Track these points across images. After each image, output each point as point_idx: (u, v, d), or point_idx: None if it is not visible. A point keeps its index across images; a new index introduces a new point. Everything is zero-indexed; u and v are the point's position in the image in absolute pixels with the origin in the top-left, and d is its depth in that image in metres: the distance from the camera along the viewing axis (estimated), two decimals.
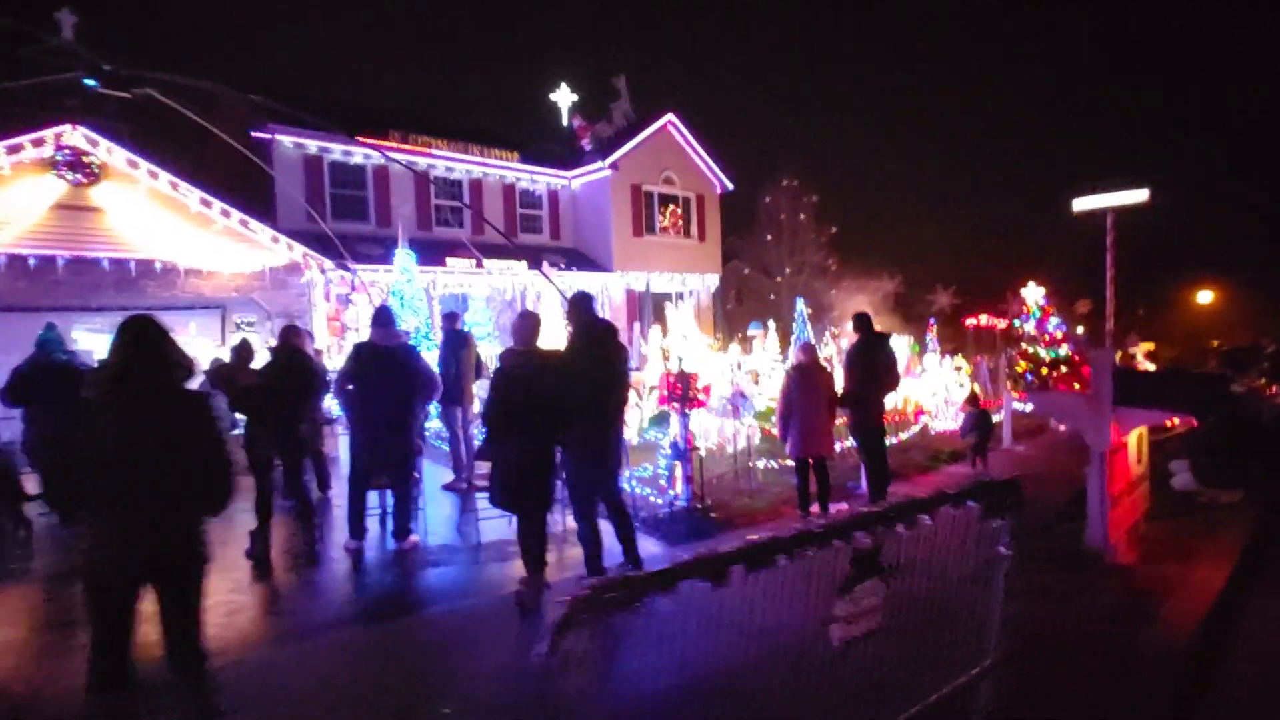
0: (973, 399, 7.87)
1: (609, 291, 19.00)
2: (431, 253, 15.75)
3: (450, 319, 7.59)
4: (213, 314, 12.53)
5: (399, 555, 5.19)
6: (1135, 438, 5.25)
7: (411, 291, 11.39)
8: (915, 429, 10.12)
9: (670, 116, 20.07)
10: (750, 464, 7.23)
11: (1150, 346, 7.40)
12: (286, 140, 14.35)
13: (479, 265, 15.96)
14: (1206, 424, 5.99)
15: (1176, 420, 7.30)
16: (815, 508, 6.20)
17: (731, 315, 23.70)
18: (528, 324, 4.26)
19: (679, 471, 5.81)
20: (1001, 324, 21.34)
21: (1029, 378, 6.72)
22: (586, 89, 20.45)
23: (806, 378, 6.15)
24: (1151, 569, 4.82)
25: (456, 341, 7.37)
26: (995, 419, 10.05)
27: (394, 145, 15.77)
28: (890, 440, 8.92)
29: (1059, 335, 7.06)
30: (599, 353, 4.11)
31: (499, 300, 17.51)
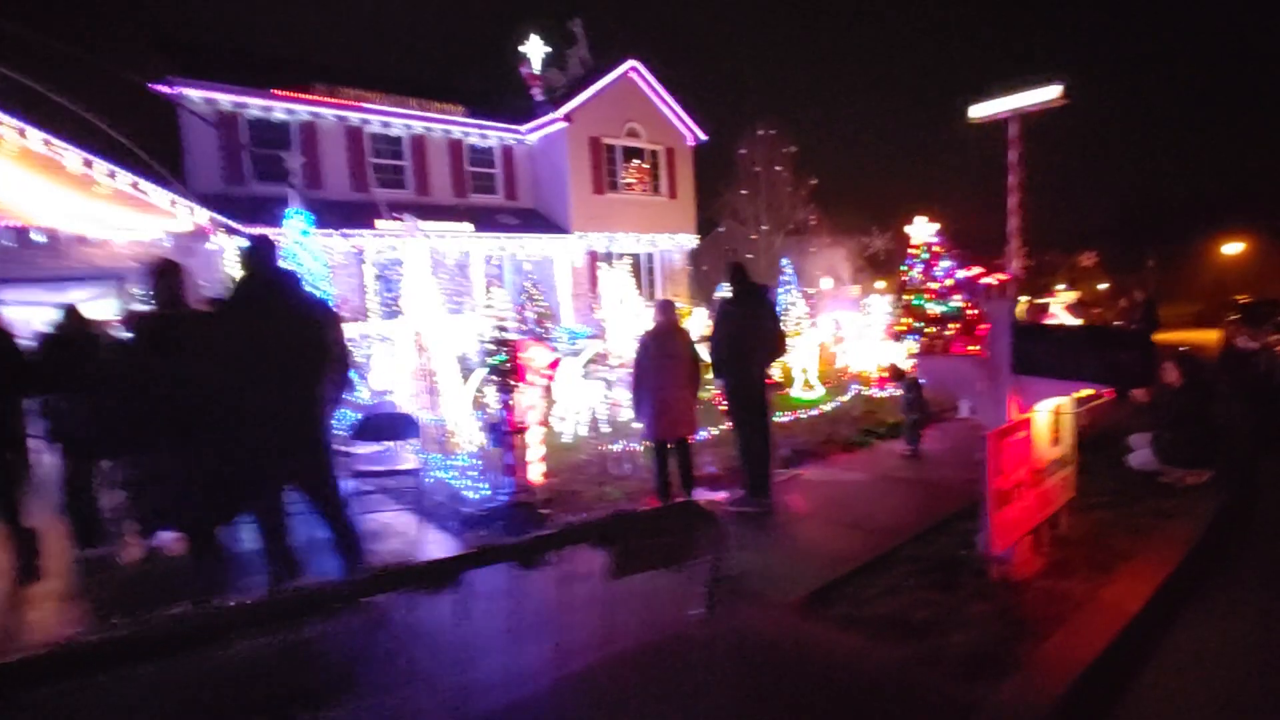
0: (895, 372, 6.66)
1: (569, 254, 17.83)
2: (367, 215, 14.72)
3: None
4: (109, 286, 11.65)
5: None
6: (1049, 413, 4.08)
7: (309, 257, 10.35)
8: (844, 398, 8.90)
9: (633, 63, 18.59)
10: (610, 447, 6.15)
11: (1073, 297, 6.05)
12: (195, 95, 13.25)
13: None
14: (1175, 393, 4.73)
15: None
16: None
17: (709, 277, 22.42)
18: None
19: (504, 459, 4.77)
20: (995, 279, 19.86)
21: (914, 338, 5.46)
22: (546, 36, 18.93)
23: (662, 345, 5.04)
24: (1052, 584, 3.70)
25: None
26: None
27: (318, 99, 14.62)
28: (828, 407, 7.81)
29: (949, 283, 5.67)
30: (258, 316, 3.05)
31: (453, 267, 16.47)
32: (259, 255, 3.22)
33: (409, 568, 1.81)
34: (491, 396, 4.80)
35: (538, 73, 18.31)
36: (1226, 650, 3.36)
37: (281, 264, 3.25)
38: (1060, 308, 4.17)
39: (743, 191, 19.43)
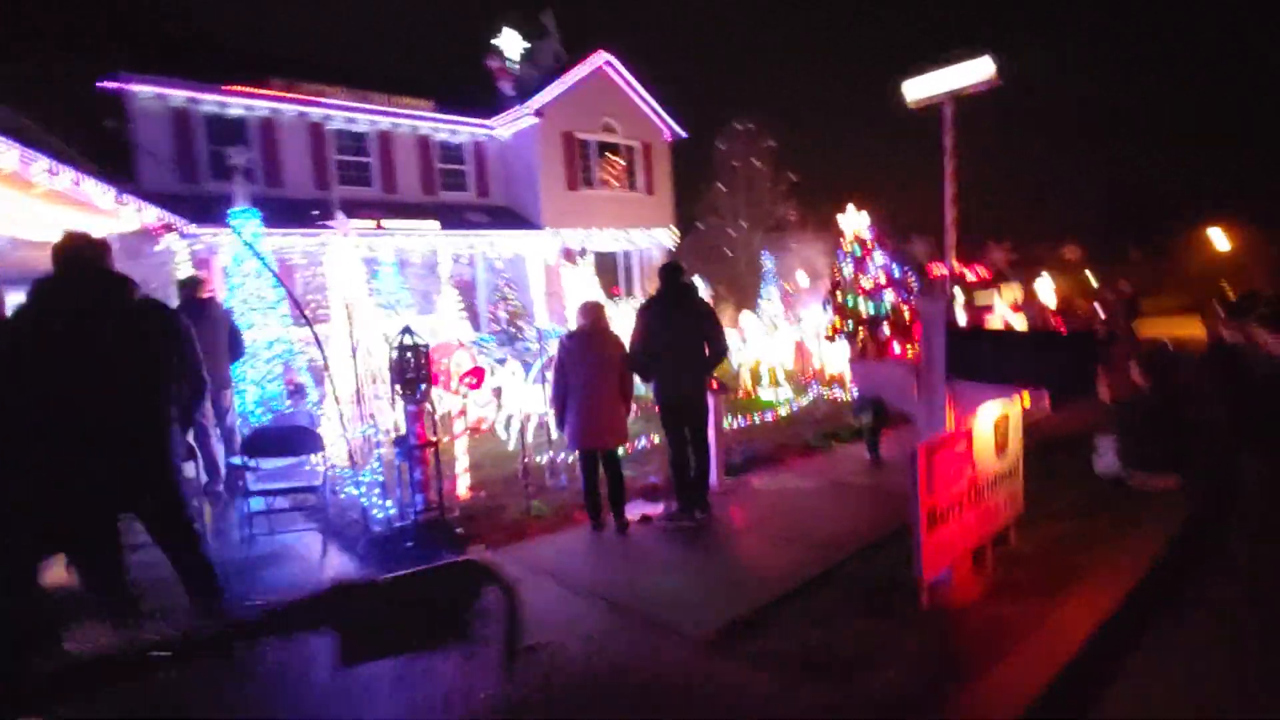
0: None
1: (542, 251, 17.43)
2: (330, 215, 14.28)
3: (188, 285, 6.16)
4: None
5: None
6: (994, 422, 3.74)
7: (251, 258, 9.93)
8: (802, 400, 8.56)
9: (605, 57, 18.16)
10: (545, 457, 5.79)
11: (1018, 294, 5.65)
12: (145, 91, 12.78)
13: (378, 226, 14.46)
14: (1141, 393, 4.38)
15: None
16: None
17: (689, 274, 22.05)
18: None
19: (411, 475, 4.40)
20: (980, 275, 19.53)
21: (842, 339, 5.06)
22: (516, 28, 18.51)
23: (586, 348, 4.67)
24: (994, 610, 3.37)
25: (197, 312, 5.96)
26: None
27: (276, 94, 14.17)
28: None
29: (881, 279, 5.21)
30: (67, 325, 2.67)
31: (422, 265, 16.06)
32: (76, 255, 2.84)
33: None
34: (397, 407, 4.40)
35: (511, 67, 17.88)
36: (1191, 684, 3.02)
37: (103, 265, 2.86)
38: (1006, 306, 3.82)
39: (721, 187, 19.07)
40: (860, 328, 4.42)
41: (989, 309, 6.11)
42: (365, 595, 1.65)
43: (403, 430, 4.55)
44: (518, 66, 18.09)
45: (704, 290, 16.61)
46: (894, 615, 3.33)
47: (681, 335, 4.70)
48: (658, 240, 20.08)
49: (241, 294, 9.68)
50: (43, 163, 10.57)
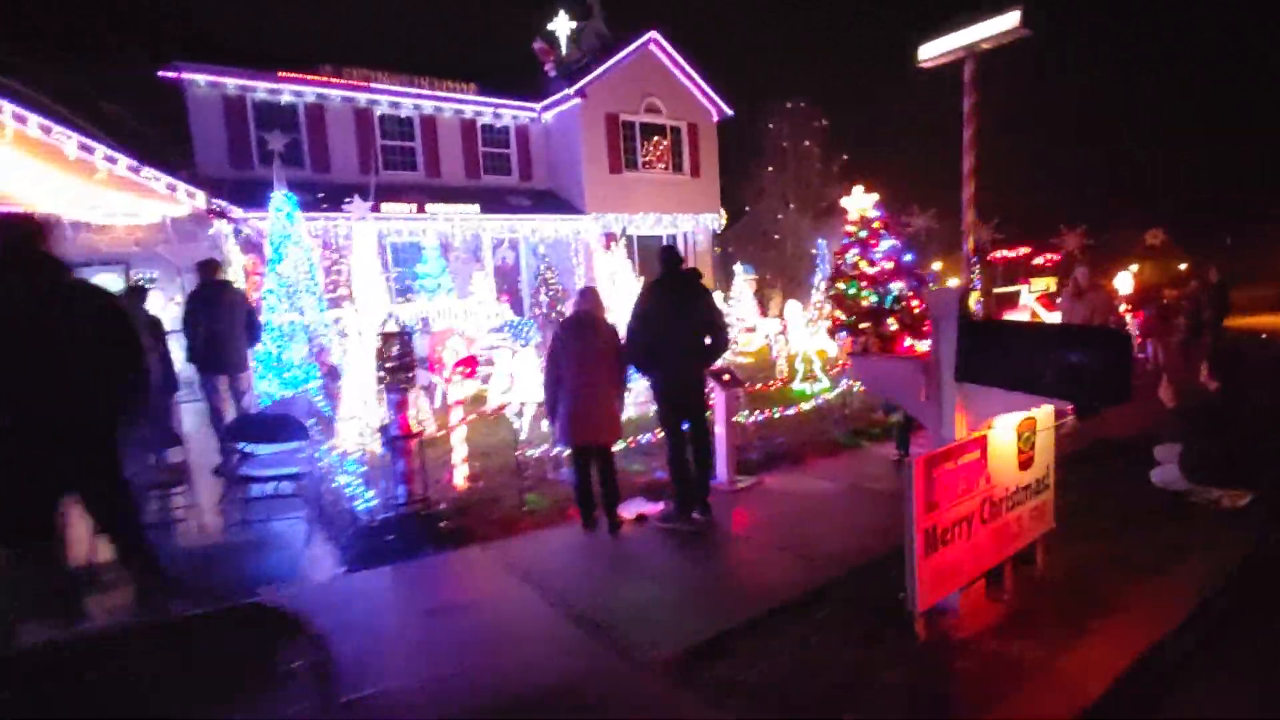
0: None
1: (585, 235, 17.26)
2: (379, 198, 14.49)
3: (206, 268, 6.22)
4: (114, 271, 11.76)
5: None
6: (1016, 428, 3.30)
7: (291, 242, 10.12)
8: (831, 390, 8.05)
9: (653, 35, 17.72)
10: (535, 451, 5.57)
11: (1049, 285, 4.87)
12: (200, 79, 13.19)
13: (420, 210, 14.58)
14: (1212, 396, 3.85)
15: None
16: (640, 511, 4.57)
17: (736, 259, 21.50)
18: None
19: (395, 467, 4.28)
20: (1050, 259, 18.25)
21: (843, 335, 4.49)
22: (563, 8, 18.27)
23: (580, 337, 4.43)
24: (1000, 646, 2.96)
25: (214, 295, 6.03)
26: None
27: (324, 79, 14.41)
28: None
29: (888, 267, 4.52)
30: None
31: (464, 249, 16.16)
32: (19, 238, 2.76)
33: None
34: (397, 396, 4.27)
35: (562, 49, 17.64)
36: None
37: (43, 249, 2.78)
38: (1033, 299, 3.27)
39: (769, 169, 18.38)
40: (862, 320, 3.95)
41: (1014, 302, 5.32)
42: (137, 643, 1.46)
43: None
44: (560, 47, 17.85)
45: (748, 277, 16.13)
46: (886, 646, 2.98)
47: (681, 324, 4.39)
48: (704, 224, 19.61)
49: (277, 277, 9.89)
50: (102, 150, 11.01)
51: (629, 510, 4.83)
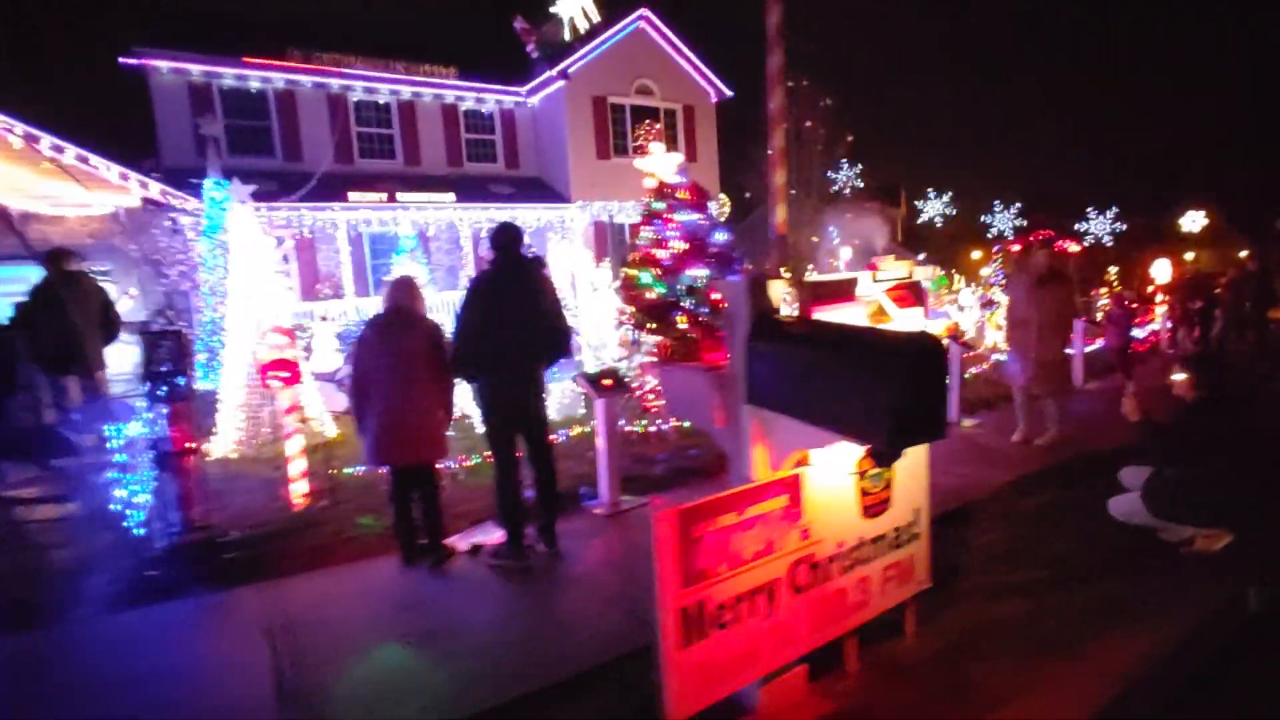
0: None
1: (569, 224, 16.55)
2: (353, 187, 14.05)
3: (54, 258, 5.69)
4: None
5: None
6: (856, 466, 2.46)
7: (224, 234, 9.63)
8: None
9: (644, 13, 16.82)
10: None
11: (934, 272, 3.77)
12: (163, 66, 12.86)
13: (390, 200, 14.06)
14: (1187, 412, 2.95)
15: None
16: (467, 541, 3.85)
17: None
18: None
19: (168, 488, 3.64)
20: (1074, 247, 16.81)
21: (633, 337, 3.59)
22: None
23: (389, 338, 3.71)
24: None
25: (65, 288, 5.49)
26: None
27: (294, 65, 13.96)
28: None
29: (682, 249, 3.50)
30: None
31: (449, 241, 15.64)
32: None
33: None
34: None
35: (565, 31, 16.85)
36: None
37: None
38: (881, 291, 2.48)
39: (768, 151, 17.36)
40: (650, 317, 3.10)
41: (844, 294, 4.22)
42: None
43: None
44: (544, 26, 17.09)
45: (898, 272, 15.11)
46: None
47: (516, 320, 3.61)
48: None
49: (210, 269, 9.45)
50: (49, 139, 10.66)
51: (481, 536, 4.12)
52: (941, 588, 3.35)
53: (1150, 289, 12.82)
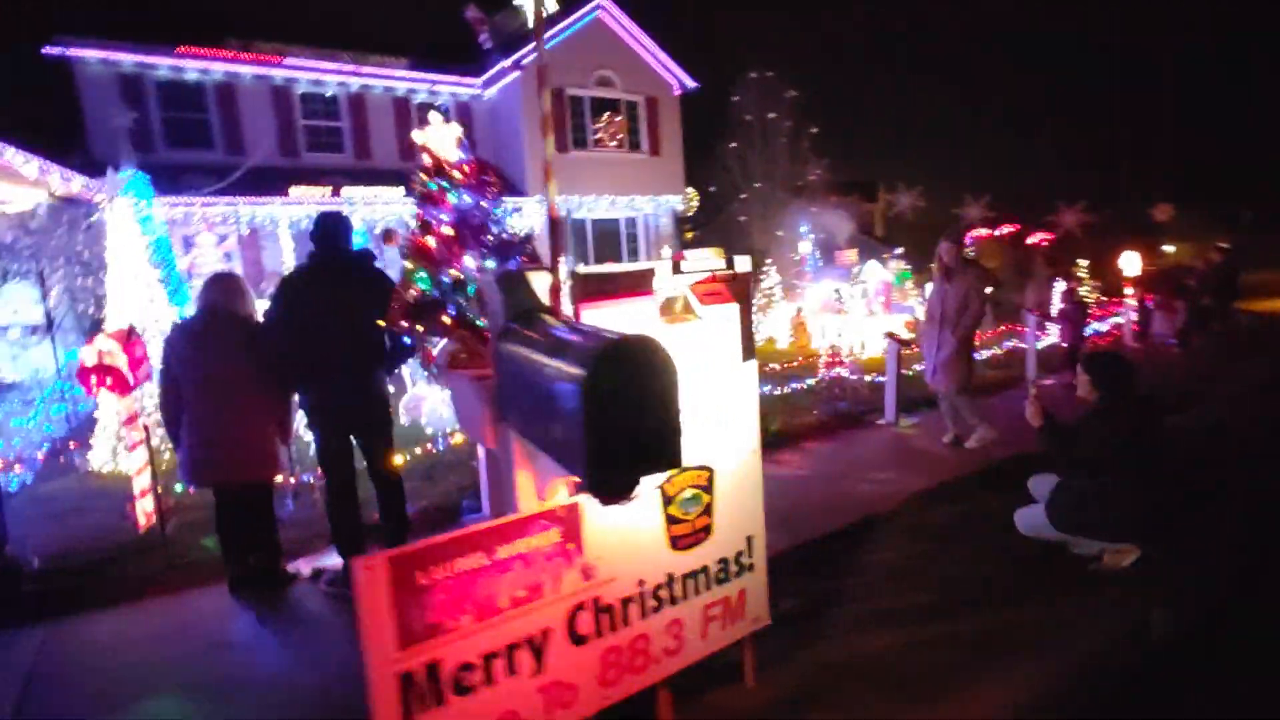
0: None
1: (529, 220, 16.10)
2: (298, 182, 13.53)
3: None
4: None
5: None
6: (661, 490, 2.10)
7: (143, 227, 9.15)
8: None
9: (602, 4, 16.39)
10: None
11: (714, 262, 3.40)
12: (90, 57, 12.29)
13: (335, 194, 13.57)
14: (1090, 415, 2.69)
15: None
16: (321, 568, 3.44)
17: (704, 243, 20.14)
18: None
19: None
20: (1044, 238, 16.56)
21: (405, 340, 3.25)
22: None
23: (200, 342, 3.30)
24: None
25: None
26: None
27: (232, 55, 13.43)
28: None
29: (447, 234, 3.18)
30: None
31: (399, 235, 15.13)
32: None
33: None
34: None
35: (482, 14, 16.37)
36: None
37: None
38: (687, 285, 2.12)
39: (732, 145, 16.99)
40: (417, 315, 2.74)
41: (608, 289, 3.50)
42: None
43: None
44: (497, 15, 16.60)
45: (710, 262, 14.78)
46: None
47: (342, 322, 3.22)
48: (667, 207, 18.32)
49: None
50: None
51: (331, 559, 3.73)
52: (811, 618, 3.02)
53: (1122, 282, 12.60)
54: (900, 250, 15.48)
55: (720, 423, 2.22)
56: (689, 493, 2.18)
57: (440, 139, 2.90)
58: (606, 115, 16.95)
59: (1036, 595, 3.20)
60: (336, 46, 14.61)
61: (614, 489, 1.34)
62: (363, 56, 14.81)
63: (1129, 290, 11.77)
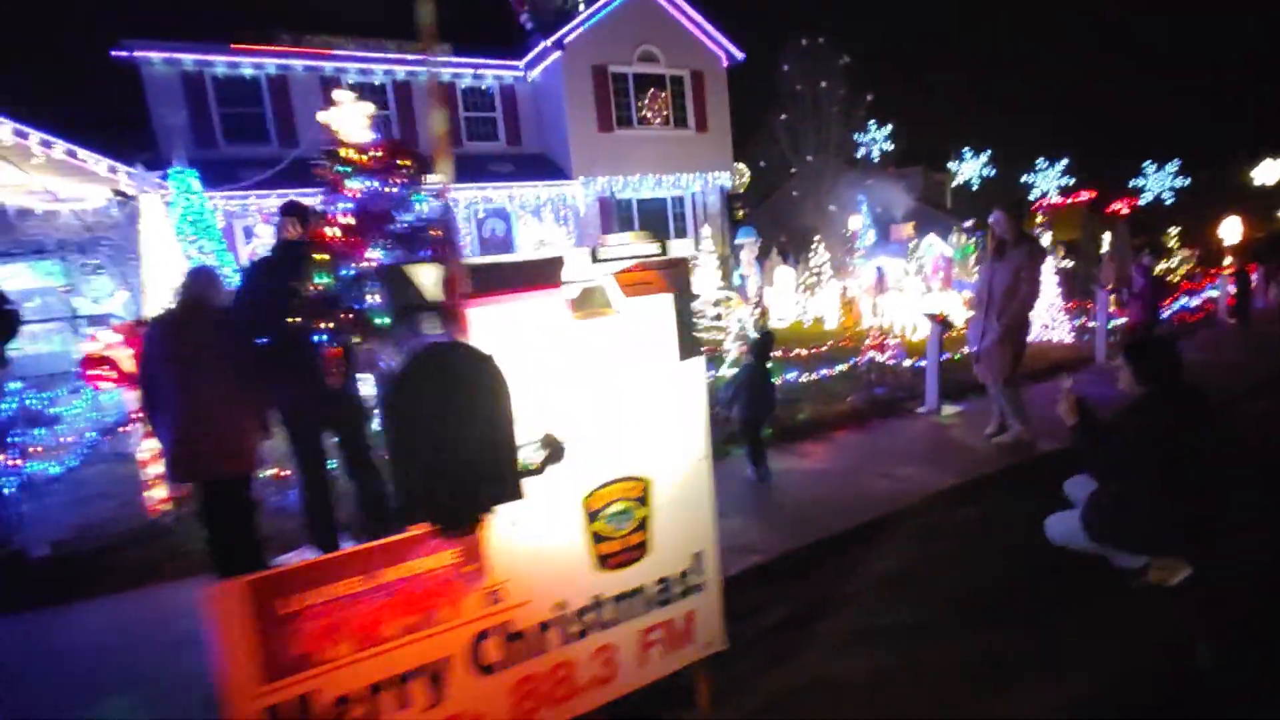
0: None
1: (571, 202, 16.00)
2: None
3: None
4: (63, 257, 11.75)
5: None
6: (583, 505, 1.90)
7: (193, 216, 9.54)
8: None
9: None
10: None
11: (645, 245, 2.87)
12: (155, 58, 12.88)
13: None
14: (1130, 409, 2.39)
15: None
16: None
17: (756, 220, 19.56)
18: None
19: None
20: (1126, 204, 15.19)
21: (327, 339, 2.92)
22: None
23: (176, 336, 3.30)
24: None
25: None
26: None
27: (284, 49, 13.80)
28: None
29: (350, 223, 2.73)
30: None
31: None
32: None
33: None
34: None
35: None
36: None
37: None
38: (610, 275, 1.76)
39: (782, 117, 16.24)
40: (311, 315, 2.55)
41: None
42: None
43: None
44: None
45: (748, 241, 14.29)
46: None
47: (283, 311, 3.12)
48: (716, 184, 17.82)
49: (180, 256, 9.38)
50: (37, 135, 10.78)
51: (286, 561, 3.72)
52: (794, 632, 2.77)
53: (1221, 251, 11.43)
54: (970, 222, 14.52)
55: (656, 428, 1.99)
56: (618, 506, 1.97)
57: (347, 119, 2.74)
58: (651, 91, 16.54)
59: (1057, 613, 2.84)
60: (382, 36, 14.78)
61: (442, 521, 1.15)
62: (407, 45, 14.94)
63: (1228, 260, 10.65)
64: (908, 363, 6.99)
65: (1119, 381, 3.08)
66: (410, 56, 14.92)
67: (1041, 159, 16.08)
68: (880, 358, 6.90)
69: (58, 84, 13.04)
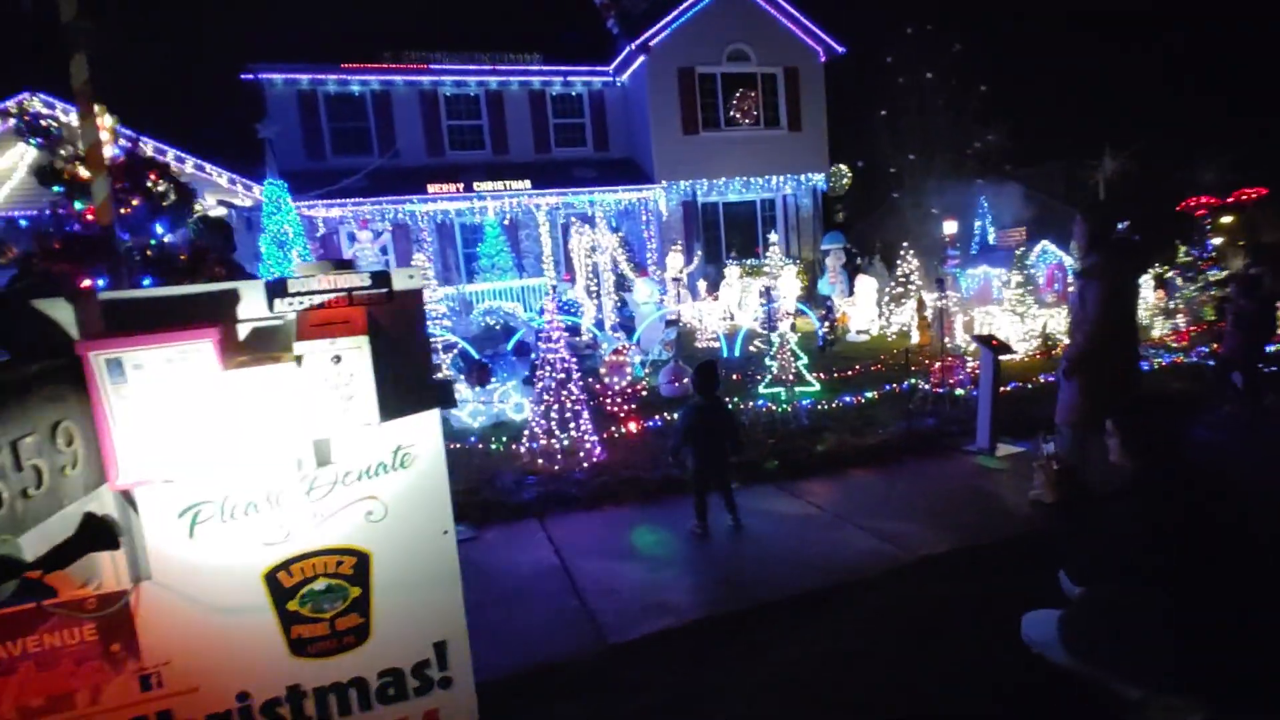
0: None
1: (654, 206, 15.77)
2: (439, 179, 14.53)
3: None
4: None
5: None
6: (272, 574, 1.62)
7: (282, 226, 10.33)
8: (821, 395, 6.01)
9: None
10: None
11: (354, 278, 2.12)
12: (276, 79, 14.16)
13: (466, 190, 14.30)
14: (1121, 492, 1.97)
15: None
16: None
17: (853, 225, 18.29)
18: None
19: None
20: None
21: None
22: None
23: None
24: None
25: None
26: None
27: (386, 66, 14.68)
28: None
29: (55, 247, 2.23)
30: None
31: (533, 225, 15.69)
32: None
33: None
34: None
35: (623, 2, 16.01)
36: None
37: None
38: (294, 313, 1.39)
39: (883, 113, 14.95)
40: None
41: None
42: None
43: None
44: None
45: (835, 247, 13.29)
46: None
47: None
48: (810, 186, 16.86)
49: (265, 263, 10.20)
50: (171, 153, 12.26)
51: None
52: None
53: None
54: (1125, 224, 12.62)
55: (369, 496, 1.68)
56: (321, 584, 1.67)
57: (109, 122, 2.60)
58: (740, 91, 15.91)
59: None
60: (475, 49, 15.33)
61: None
62: (499, 56, 15.39)
63: None
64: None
65: (1109, 451, 2.33)
66: (502, 67, 15.36)
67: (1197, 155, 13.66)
68: (925, 385, 6.05)
69: (191, 106, 14.76)
